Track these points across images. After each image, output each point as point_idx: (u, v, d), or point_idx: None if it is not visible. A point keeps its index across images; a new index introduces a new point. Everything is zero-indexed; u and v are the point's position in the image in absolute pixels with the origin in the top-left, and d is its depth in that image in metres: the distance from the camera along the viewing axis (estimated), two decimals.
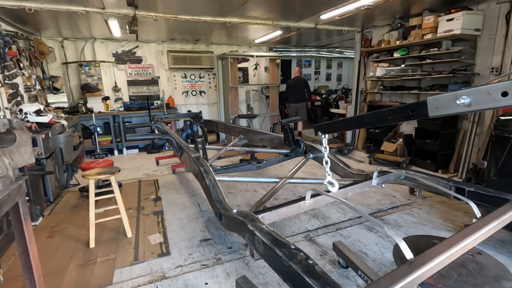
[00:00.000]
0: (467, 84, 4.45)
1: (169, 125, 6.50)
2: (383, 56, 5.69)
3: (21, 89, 4.58)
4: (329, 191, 1.88)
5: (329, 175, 1.88)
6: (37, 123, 3.97)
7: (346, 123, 2.07)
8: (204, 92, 7.80)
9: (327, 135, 1.85)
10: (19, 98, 4.45)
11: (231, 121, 5.00)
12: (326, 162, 1.86)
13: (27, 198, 2.37)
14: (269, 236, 1.34)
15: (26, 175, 1.74)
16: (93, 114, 6.26)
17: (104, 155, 6.41)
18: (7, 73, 4.13)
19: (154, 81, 7.10)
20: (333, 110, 7.90)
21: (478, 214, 1.55)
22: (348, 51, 11.20)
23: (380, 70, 5.64)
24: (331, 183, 1.88)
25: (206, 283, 2.27)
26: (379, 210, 3.47)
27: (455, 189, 1.89)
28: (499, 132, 2.79)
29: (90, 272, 2.43)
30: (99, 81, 6.47)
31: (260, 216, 1.62)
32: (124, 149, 6.77)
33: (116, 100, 6.86)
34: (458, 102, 1.04)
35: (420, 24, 4.70)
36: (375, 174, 2.09)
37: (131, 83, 6.94)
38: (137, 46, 6.85)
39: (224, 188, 2.08)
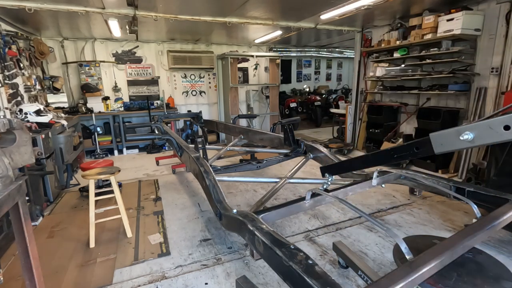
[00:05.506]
0: (467, 84, 4.45)
1: (169, 125, 6.50)
2: (383, 56, 5.69)
3: (21, 89, 4.58)
4: (329, 191, 1.88)
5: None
6: (37, 123, 3.98)
7: (352, 162, 2.17)
8: (204, 92, 7.80)
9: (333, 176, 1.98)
10: (19, 98, 4.45)
11: (231, 121, 5.00)
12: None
13: (27, 198, 2.37)
14: (269, 236, 1.34)
15: (26, 175, 1.74)
16: (93, 114, 6.26)
17: (104, 155, 6.41)
18: (7, 73, 4.13)
19: (154, 81, 7.10)
20: (333, 110, 7.90)
21: (478, 214, 1.55)
22: (348, 51, 11.21)
23: (380, 70, 5.64)
24: (331, 183, 1.88)
25: (206, 283, 2.27)
26: (379, 210, 3.47)
27: (455, 189, 1.89)
28: None
29: (90, 272, 2.43)
30: (99, 81, 6.47)
31: (260, 216, 1.62)
32: (124, 149, 6.77)
33: (116, 100, 6.86)
34: (461, 138, 1.04)
35: (420, 24, 4.70)
36: (375, 174, 2.09)
37: (131, 83, 6.94)
38: (137, 46, 6.85)
39: (224, 188, 2.09)
